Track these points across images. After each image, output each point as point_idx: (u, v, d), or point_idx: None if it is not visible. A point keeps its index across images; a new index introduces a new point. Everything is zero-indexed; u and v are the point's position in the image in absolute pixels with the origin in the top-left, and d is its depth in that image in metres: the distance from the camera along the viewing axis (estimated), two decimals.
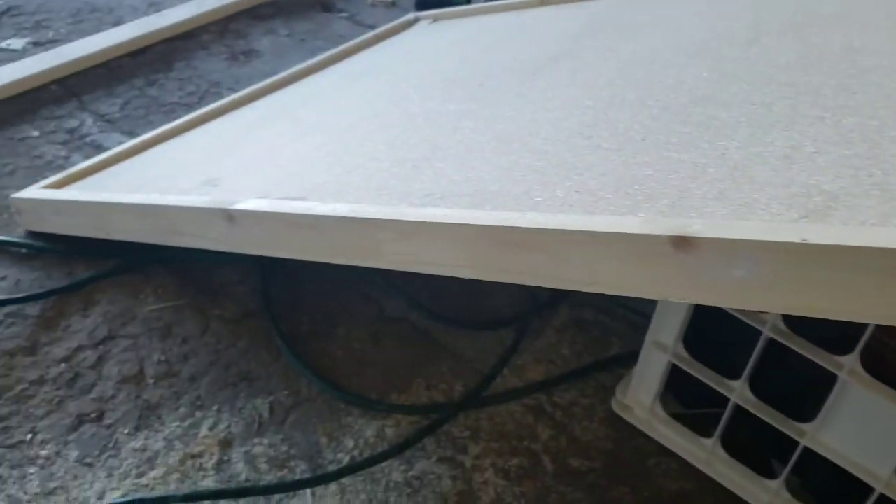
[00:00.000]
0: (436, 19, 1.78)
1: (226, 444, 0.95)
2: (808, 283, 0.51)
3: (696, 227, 0.55)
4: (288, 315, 1.14)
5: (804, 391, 0.85)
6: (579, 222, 0.61)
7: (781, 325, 0.81)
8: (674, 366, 0.93)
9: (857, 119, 0.70)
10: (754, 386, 0.88)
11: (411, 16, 1.82)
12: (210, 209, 0.88)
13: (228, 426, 0.97)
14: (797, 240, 0.50)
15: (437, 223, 0.69)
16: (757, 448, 0.93)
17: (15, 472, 0.90)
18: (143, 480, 0.90)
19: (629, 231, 0.58)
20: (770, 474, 0.92)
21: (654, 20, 1.23)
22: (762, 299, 0.53)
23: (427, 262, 0.72)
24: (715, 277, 0.55)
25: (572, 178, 0.74)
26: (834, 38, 0.92)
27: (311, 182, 0.93)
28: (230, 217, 0.87)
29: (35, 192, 1.20)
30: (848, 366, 0.77)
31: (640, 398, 0.99)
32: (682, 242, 0.55)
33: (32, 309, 1.10)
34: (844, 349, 0.77)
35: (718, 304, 0.56)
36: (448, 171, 0.85)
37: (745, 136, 0.73)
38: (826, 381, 0.80)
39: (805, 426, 0.84)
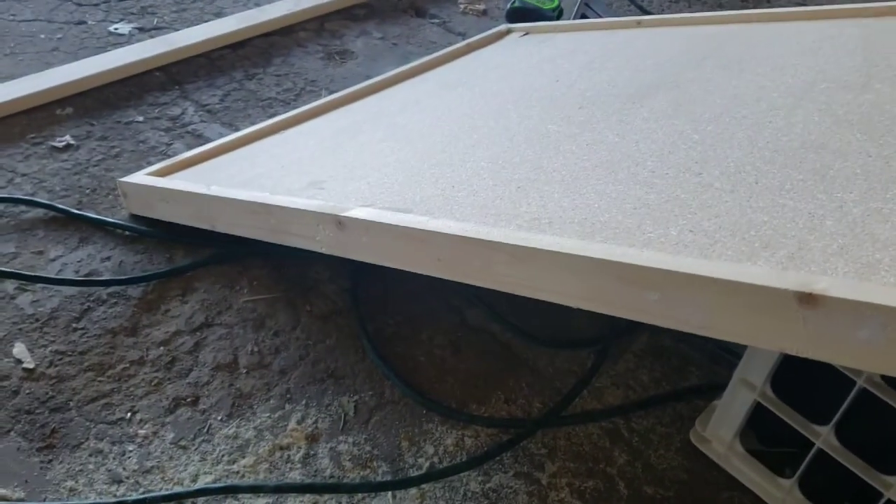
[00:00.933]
0: (528, 32, 1.79)
1: (313, 439, 0.99)
2: None
3: (823, 284, 0.57)
4: (374, 316, 1.17)
5: (894, 444, 0.85)
6: (700, 266, 0.63)
7: (877, 378, 0.82)
8: (758, 403, 0.94)
9: None
10: (840, 432, 0.88)
11: (503, 27, 1.85)
12: (321, 213, 0.91)
13: (315, 421, 1.01)
14: None
15: (552, 251, 0.71)
16: (834, 493, 0.93)
17: (115, 448, 0.95)
18: (235, 467, 0.94)
19: (753, 282, 0.59)
20: None
21: (758, 56, 1.23)
22: (884, 362, 0.54)
23: (537, 288, 0.74)
24: (838, 336, 0.56)
25: (686, 217, 0.75)
26: None
27: (418, 194, 0.96)
28: (340, 223, 0.90)
29: (141, 177, 1.25)
30: None
31: (720, 433, 0.99)
32: (808, 299, 0.56)
33: (134, 291, 1.15)
34: None
35: (837, 363, 0.57)
36: (555, 196, 0.87)
37: (863, 190, 0.73)
38: None
39: (892, 479, 0.84)
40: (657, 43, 1.46)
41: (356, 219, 0.88)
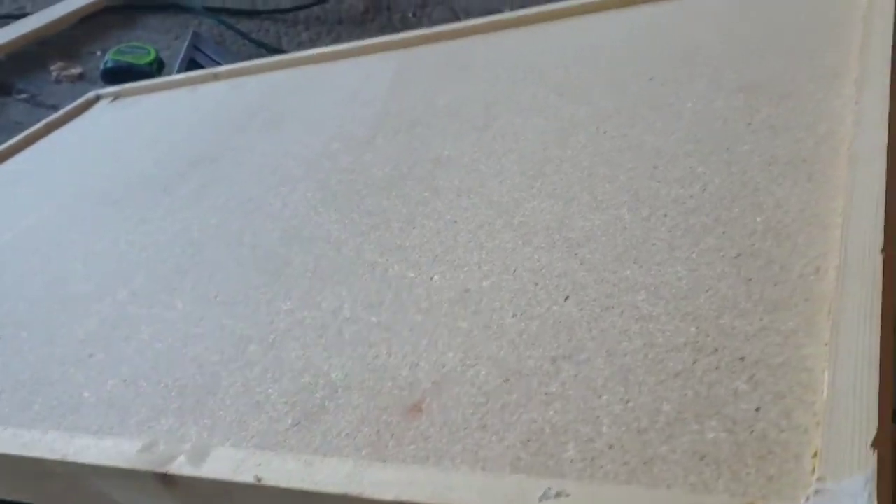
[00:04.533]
0: (116, 97, 1.68)
1: None
2: None
3: (178, 463, 0.54)
4: None
5: None
6: (87, 453, 0.58)
7: None
8: None
9: (402, 268, 0.71)
10: None
11: (92, 94, 1.71)
12: None
13: None
14: (252, 480, 0.50)
15: None
16: None
17: None
18: None
19: (119, 465, 0.55)
20: None
21: (304, 109, 1.21)
22: None
23: None
24: None
25: (128, 363, 0.71)
26: (432, 143, 0.94)
27: None
28: None
29: None
30: None
31: None
32: (168, 480, 0.53)
33: None
34: None
35: None
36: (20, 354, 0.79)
37: (302, 294, 0.72)
38: None
39: None
40: (226, 100, 1.41)
41: None
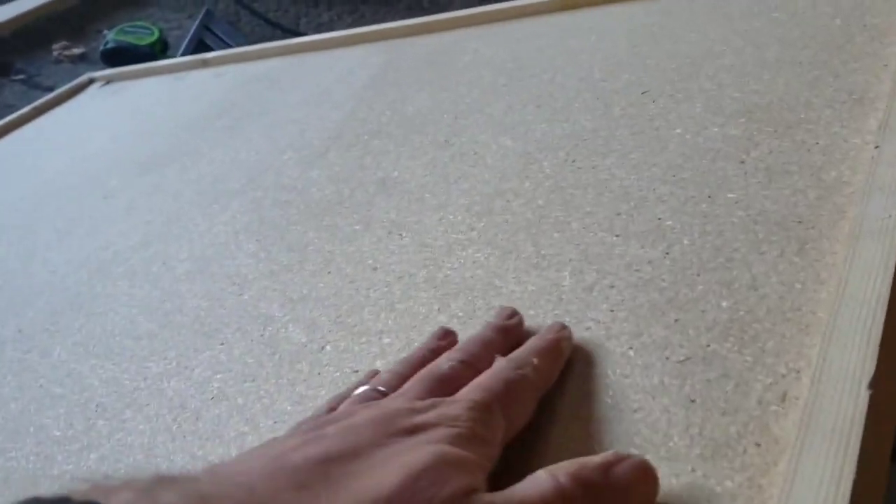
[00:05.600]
0: (108, 81, 1.59)
1: None
2: None
3: None
4: None
5: None
6: None
7: None
8: None
9: (296, 329, 0.58)
10: None
11: (85, 77, 1.62)
12: None
13: None
14: None
15: None
16: None
17: None
18: None
19: None
20: None
21: (271, 105, 1.09)
22: None
23: None
24: None
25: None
26: (384, 160, 0.80)
27: None
28: None
29: None
30: None
31: None
32: None
33: None
34: None
35: None
36: None
37: (179, 353, 0.61)
38: None
39: None
40: (203, 93, 1.29)
41: None
